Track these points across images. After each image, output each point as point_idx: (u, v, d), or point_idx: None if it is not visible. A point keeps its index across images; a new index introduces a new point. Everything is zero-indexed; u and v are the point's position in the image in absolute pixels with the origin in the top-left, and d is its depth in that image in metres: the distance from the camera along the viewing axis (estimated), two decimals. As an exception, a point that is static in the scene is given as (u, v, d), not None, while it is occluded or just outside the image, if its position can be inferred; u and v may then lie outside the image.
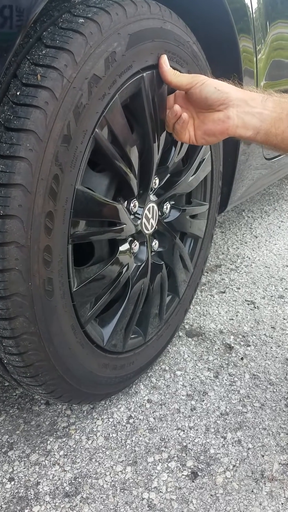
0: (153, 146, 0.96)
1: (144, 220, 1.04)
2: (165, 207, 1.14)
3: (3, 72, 0.68)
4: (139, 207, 1.01)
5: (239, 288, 1.70)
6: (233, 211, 2.44)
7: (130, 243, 1.02)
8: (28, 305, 0.77)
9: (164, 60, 0.92)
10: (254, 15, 1.28)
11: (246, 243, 2.08)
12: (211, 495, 0.94)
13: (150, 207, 1.05)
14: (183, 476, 0.98)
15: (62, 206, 0.77)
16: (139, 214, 1.02)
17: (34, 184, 0.71)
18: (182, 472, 0.99)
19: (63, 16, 0.78)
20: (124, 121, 0.87)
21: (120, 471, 0.99)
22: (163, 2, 0.95)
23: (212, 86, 0.89)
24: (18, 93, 0.70)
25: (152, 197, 1.07)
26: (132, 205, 0.98)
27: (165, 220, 1.15)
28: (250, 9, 1.25)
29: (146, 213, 1.04)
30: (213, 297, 1.64)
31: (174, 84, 0.92)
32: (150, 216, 1.06)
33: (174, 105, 0.93)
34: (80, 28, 0.75)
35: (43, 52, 0.73)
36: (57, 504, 0.92)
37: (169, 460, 1.01)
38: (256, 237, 2.14)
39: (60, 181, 0.75)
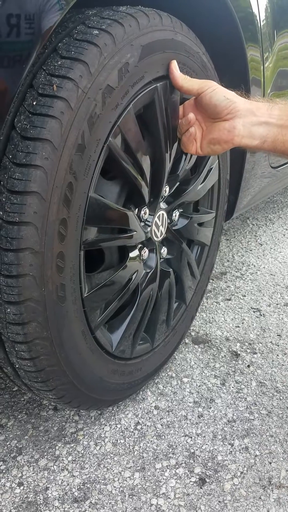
0: (165, 155, 0.98)
1: (154, 227, 1.05)
2: (174, 214, 1.15)
3: (20, 82, 0.70)
4: (149, 214, 1.02)
5: (244, 296, 1.71)
6: (238, 219, 2.45)
7: (140, 250, 1.03)
8: (41, 310, 0.78)
9: (175, 65, 0.93)
10: (261, 24, 1.29)
11: (251, 250, 2.09)
12: (219, 501, 0.94)
13: (160, 214, 1.06)
14: (191, 483, 0.98)
15: (75, 213, 0.79)
16: (149, 222, 1.04)
17: (49, 192, 0.72)
18: (190, 478, 0.99)
19: (77, 27, 0.80)
20: (137, 131, 0.88)
21: (129, 477, 0.99)
22: (172, 13, 0.97)
23: (221, 94, 0.91)
24: (34, 103, 0.72)
25: (162, 205, 1.09)
26: (142, 212, 1.00)
27: (173, 228, 1.17)
28: (258, 18, 1.27)
29: (156, 221, 1.05)
30: (219, 304, 1.65)
31: (185, 88, 0.93)
32: (159, 223, 1.07)
33: (189, 113, 0.95)
34: (95, 40, 0.77)
35: (59, 63, 0.74)
36: (66, 509, 0.92)
37: (177, 466, 1.02)
38: (261, 244, 2.15)
39: (74, 189, 0.77)
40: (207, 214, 1.29)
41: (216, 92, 0.91)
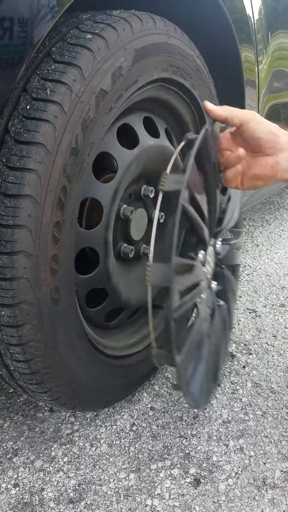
0: (217, 191, 0.93)
1: (207, 265, 0.96)
2: (217, 245, 1.05)
3: (14, 86, 0.70)
4: (204, 253, 0.94)
5: (240, 297, 1.71)
6: (234, 220, 2.46)
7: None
8: (35, 312, 0.78)
9: (209, 104, 0.87)
10: (255, 26, 1.30)
11: (247, 251, 2.10)
12: (214, 502, 0.95)
13: (210, 250, 0.98)
14: (186, 483, 0.99)
15: (69, 216, 0.79)
16: (206, 261, 0.95)
17: (43, 195, 0.73)
18: (185, 479, 1.00)
19: (71, 31, 0.80)
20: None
21: (124, 478, 1.00)
22: (166, 16, 0.98)
23: (265, 127, 0.85)
24: (28, 107, 0.72)
25: (211, 239, 1.01)
26: (200, 255, 0.92)
27: (219, 258, 1.08)
28: (252, 20, 1.28)
29: (207, 258, 0.96)
30: (215, 305, 1.65)
31: (229, 119, 0.85)
32: (210, 259, 0.99)
33: (238, 148, 0.88)
34: (88, 44, 0.78)
35: (52, 67, 0.75)
36: (61, 510, 0.93)
37: (172, 467, 1.02)
38: (257, 245, 2.16)
39: (67, 192, 0.77)
40: (239, 234, 1.21)
41: (260, 125, 0.85)
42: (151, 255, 0.75)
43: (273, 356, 1.39)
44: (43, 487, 0.97)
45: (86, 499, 0.95)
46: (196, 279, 0.88)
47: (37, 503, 0.94)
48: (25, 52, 0.71)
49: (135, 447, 1.07)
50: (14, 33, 0.69)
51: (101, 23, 0.82)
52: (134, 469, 1.02)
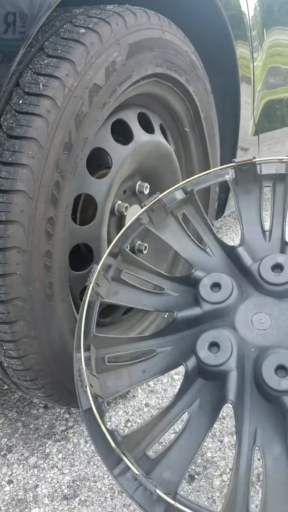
0: None
1: None
2: None
3: (6, 81, 0.70)
4: None
5: None
6: (230, 217, 2.46)
7: None
8: (28, 309, 0.78)
9: None
10: (251, 22, 1.30)
11: None
12: (208, 497, 0.95)
13: None
14: (180, 479, 0.99)
15: (63, 212, 0.79)
16: None
17: (35, 191, 0.73)
18: (179, 475, 1.00)
19: (64, 26, 0.80)
20: None
21: (118, 474, 1.00)
22: (161, 12, 0.97)
23: None
24: (20, 102, 0.72)
25: None
26: None
27: None
28: (247, 16, 1.28)
29: None
30: (210, 301, 1.65)
31: None
32: None
33: None
34: (81, 38, 0.77)
35: (45, 61, 0.74)
36: (55, 506, 0.92)
37: (166, 463, 1.02)
38: None
39: (61, 187, 0.77)
40: None
41: None
42: None
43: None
44: (37, 483, 0.97)
45: (81, 496, 0.95)
46: None
47: (31, 499, 0.94)
48: (17, 46, 0.70)
49: (130, 444, 1.06)
50: (6, 28, 0.69)
51: (95, 18, 0.81)
52: (128, 465, 1.01)
